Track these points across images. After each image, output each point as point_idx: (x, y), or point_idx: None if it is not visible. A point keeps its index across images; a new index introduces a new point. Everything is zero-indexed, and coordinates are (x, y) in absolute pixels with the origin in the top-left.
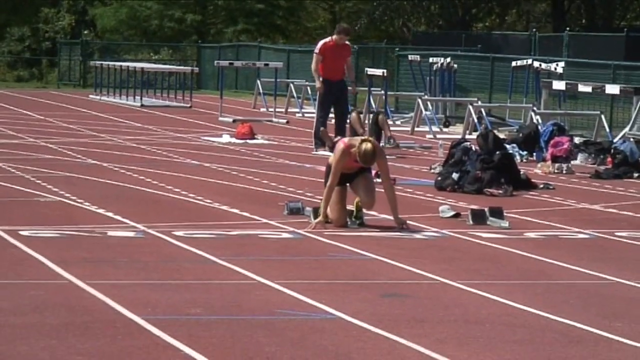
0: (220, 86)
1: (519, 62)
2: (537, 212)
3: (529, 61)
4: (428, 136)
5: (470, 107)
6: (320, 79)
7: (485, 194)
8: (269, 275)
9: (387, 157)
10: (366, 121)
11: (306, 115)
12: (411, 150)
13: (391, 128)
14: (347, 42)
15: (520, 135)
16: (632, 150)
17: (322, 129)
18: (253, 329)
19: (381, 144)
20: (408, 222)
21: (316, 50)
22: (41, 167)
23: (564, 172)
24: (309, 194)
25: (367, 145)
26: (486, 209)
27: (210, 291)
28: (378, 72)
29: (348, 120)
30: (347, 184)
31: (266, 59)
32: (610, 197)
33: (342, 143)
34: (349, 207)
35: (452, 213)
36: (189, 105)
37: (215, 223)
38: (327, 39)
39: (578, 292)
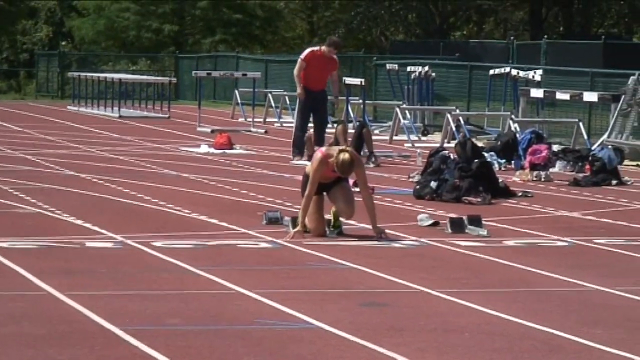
0: (198, 96)
1: (497, 70)
2: (515, 220)
3: (507, 69)
4: (406, 145)
5: (449, 115)
6: (301, 85)
7: (463, 202)
8: (248, 285)
9: (365, 166)
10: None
11: (284, 124)
12: (389, 159)
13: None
14: (334, 56)
15: (499, 143)
16: (610, 158)
17: (307, 134)
18: (231, 338)
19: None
20: (387, 231)
21: (302, 57)
22: (19, 179)
23: (543, 179)
24: (288, 204)
25: (345, 156)
26: (465, 217)
27: (189, 301)
28: (356, 81)
29: (333, 129)
30: (325, 193)
31: (244, 69)
32: (589, 204)
33: (319, 152)
34: (327, 216)
35: (431, 222)
36: (167, 115)
37: (194, 233)
38: (316, 48)
39: (557, 299)
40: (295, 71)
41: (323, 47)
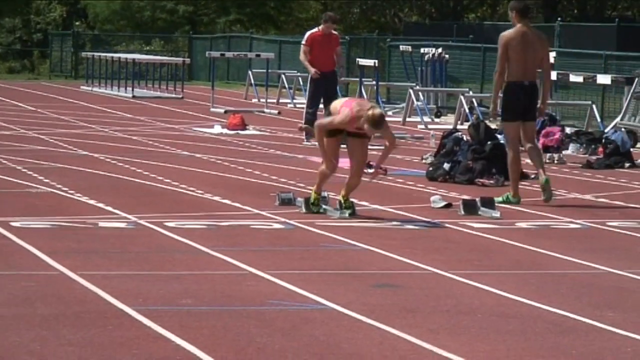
0: (211, 77)
1: None
2: (528, 202)
3: None
4: (419, 126)
5: (462, 97)
6: (310, 66)
7: (476, 184)
8: (261, 266)
9: (379, 148)
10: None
11: (298, 106)
12: (402, 140)
13: None
14: (334, 32)
15: None
16: (624, 140)
17: (309, 126)
18: (244, 319)
19: None
20: (399, 212)
21: (303, 42)
22: (32, 158)
23: (556, 162)
24: (301, 185)
25: (376, 110)
26: (477, 199)
27: (202, 282)
28: (369, 62)
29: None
30: (343, 140)
31: (258, 49)
32: (602, 187)
33: (348, 109)
34: (337, 197)
35: (444, 203)
36: (180, 96)
37: (207, 214)
38: (314, 30)
39: (570, 282)
40: (301, 56)
41: (321, 26)
